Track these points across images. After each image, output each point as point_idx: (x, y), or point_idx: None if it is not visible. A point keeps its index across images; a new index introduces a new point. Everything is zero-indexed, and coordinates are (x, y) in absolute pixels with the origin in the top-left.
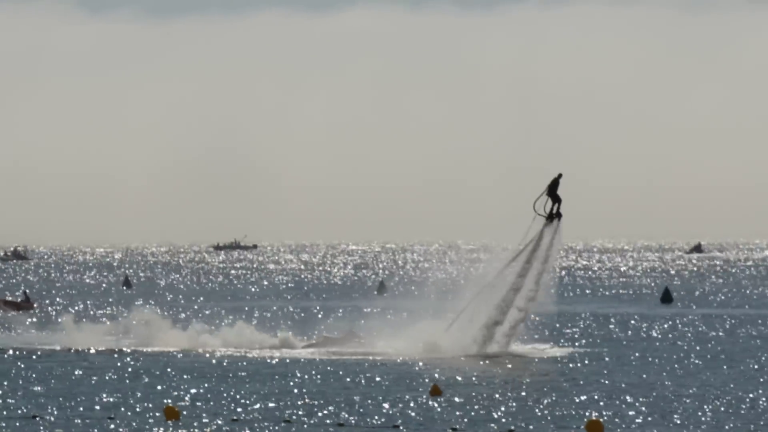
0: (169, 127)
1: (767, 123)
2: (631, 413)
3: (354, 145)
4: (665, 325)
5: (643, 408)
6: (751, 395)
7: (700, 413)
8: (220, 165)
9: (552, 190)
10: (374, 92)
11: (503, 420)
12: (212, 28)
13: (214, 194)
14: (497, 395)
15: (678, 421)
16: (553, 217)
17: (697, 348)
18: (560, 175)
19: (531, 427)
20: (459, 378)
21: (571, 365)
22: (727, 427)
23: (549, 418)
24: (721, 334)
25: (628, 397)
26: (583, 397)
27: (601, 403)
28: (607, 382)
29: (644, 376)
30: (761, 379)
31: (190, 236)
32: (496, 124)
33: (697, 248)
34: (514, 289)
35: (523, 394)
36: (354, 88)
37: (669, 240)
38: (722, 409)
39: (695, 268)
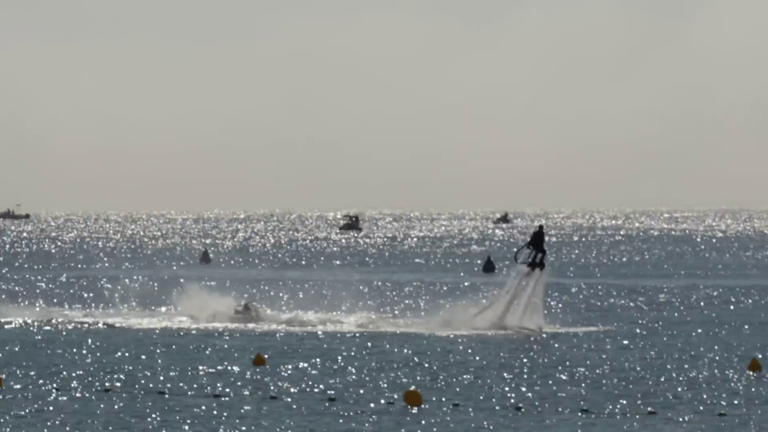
0: None
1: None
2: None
3: (127, 111)
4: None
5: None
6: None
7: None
8: None
9: (536, 241)
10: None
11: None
12: None
13: None
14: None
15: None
16: (536, 265)
17: None
18: (542, 227)
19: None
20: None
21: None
22: None
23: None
24: None
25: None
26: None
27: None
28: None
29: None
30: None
31: None
32: (267, 95)
33: (504, 218)
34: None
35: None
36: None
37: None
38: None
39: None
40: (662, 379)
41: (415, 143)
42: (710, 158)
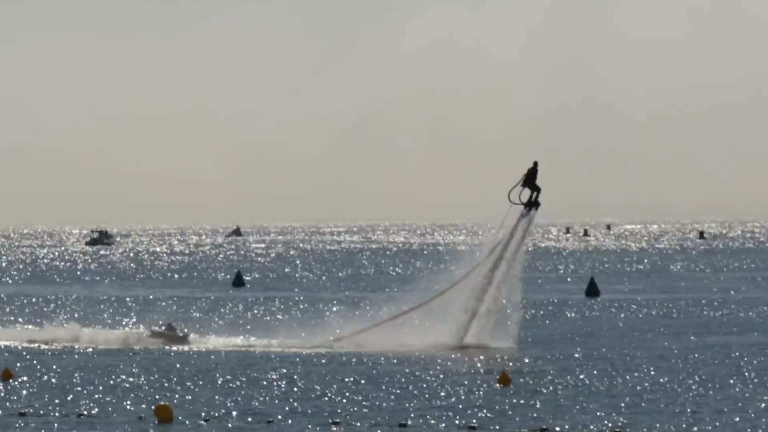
0: None
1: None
2: None
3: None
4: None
5: None
6: None
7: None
8: None
9: (529, 179)
10: None
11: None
12: None
13: None
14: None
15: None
16: (532, 205)
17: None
18: (536, 164)
19: None
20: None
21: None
22: None
23: None
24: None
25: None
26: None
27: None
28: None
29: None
30: None
31: None
32: None
33: (237, 232)
34: (486, 283)
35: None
36: None
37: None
38: None
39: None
40: None
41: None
42: (388, 173)
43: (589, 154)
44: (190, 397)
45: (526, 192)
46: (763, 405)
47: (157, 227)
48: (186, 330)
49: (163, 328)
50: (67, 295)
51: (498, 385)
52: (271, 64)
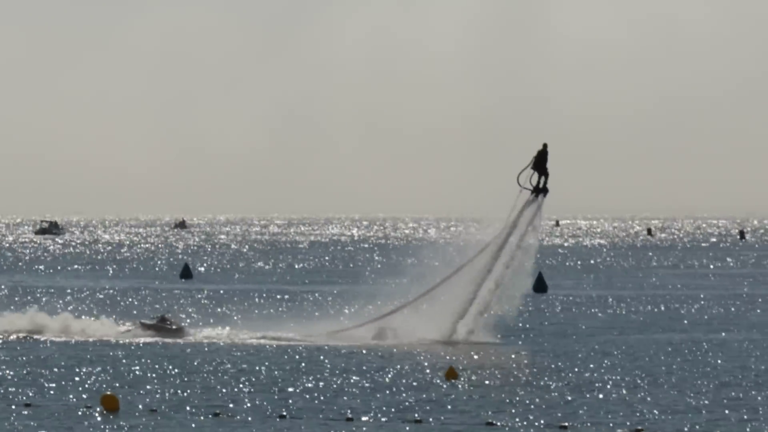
0: None
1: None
2: None
3: None
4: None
5: None
6: None
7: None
8: None
9: (539, 162)
10: None
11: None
12: None
13: None
14: None
15: None
16: (540, 191)
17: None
18: (546, 146)
19: None
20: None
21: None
22: None
23: None
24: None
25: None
26: None
27: None
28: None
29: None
30: None
31: None
32: None
33: (182, 224)
34: (488, 272)
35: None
36: None
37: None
38: None
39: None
40: None
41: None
42: (322, 167)
43: (522, 150)
44: (142, 389)
45: (535, 177)
46: (702, 399)
47: (95, 218)
48: (182, 323)
49: (155, 321)
50: (18, 284)
51: (444, 379)
52: (206, 56)
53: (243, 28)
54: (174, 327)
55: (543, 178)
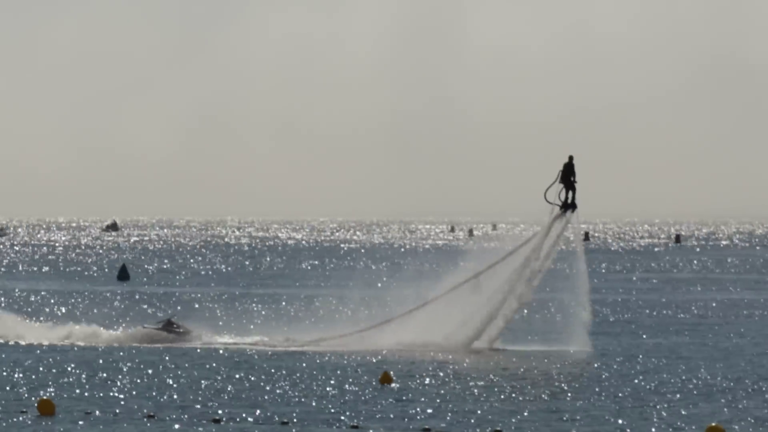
0: None
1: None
2: None
3: None
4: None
5: None
6: None
7: None
8: None
9: (566, 175)
10: None
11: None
12: None
13: None
14: None
15: None
16: (568, 206)
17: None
18: (572, 158)
19: None
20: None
21: None
22: None
23: None
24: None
25: None
26: None
27: None
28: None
29: None
30: None
31: None
32: None
33: (113, 226)
34: (510, 283)
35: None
36: None
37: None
38: None
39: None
40: None
41: None
42: (236, 168)
43: (436, 154)
44: (77, 392)
45: (561, 192)
46: (665, 405)
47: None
48: (189, 327)
49: (161, 324)
50: None
51: (380, 384)
52: (121, 57)
53: (158, 28)
54: (181, 330)
55: (571, 193)
